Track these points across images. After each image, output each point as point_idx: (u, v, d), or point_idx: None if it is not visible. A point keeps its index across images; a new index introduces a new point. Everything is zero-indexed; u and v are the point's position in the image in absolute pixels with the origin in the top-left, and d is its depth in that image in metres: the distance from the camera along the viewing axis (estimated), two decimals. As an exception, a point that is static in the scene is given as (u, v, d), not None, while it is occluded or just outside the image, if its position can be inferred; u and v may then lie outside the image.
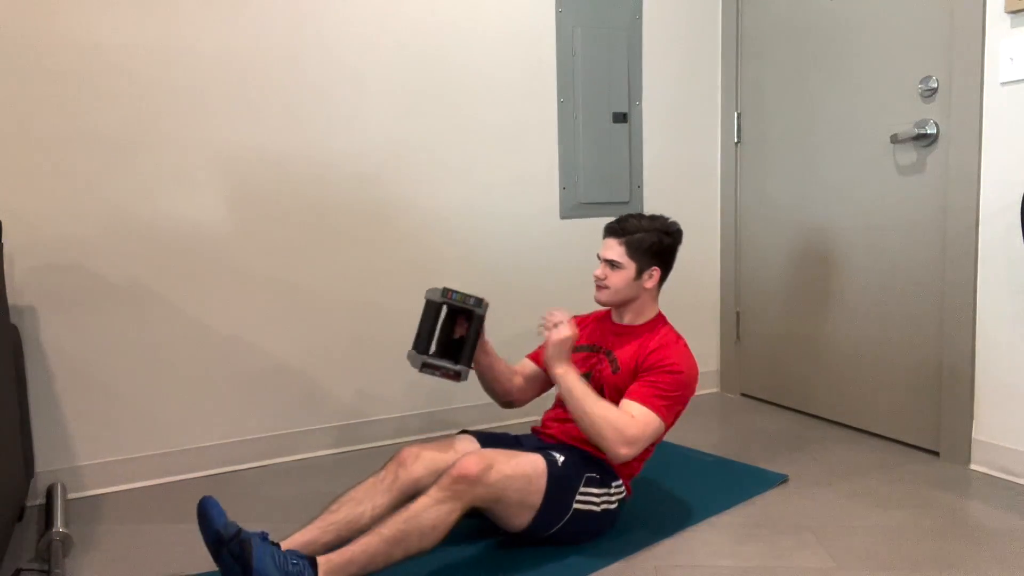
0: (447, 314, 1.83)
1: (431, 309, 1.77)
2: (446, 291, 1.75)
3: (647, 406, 1.72)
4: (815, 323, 2.72)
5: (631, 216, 1.89)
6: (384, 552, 1.47)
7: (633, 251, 1.83)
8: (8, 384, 1.71)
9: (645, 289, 1.87)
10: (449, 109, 2.57)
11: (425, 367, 1.72)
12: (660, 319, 1.92)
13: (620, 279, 1.84)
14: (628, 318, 1.91)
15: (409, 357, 1.77)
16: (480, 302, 1.76)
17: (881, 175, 2.44)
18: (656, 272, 1.86)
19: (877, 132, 2.43)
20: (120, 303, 2.19)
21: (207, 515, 1.43)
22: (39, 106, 2.07)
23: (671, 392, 1.76)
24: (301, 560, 1.41)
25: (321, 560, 1.43)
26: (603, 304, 1.93)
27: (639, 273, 1.84)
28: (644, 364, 1.79)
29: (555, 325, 1.76)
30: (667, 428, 1.77)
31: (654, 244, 1.84)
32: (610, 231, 1.88)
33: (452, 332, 1.83)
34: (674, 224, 1.90)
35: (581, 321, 1.99)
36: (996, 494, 2.02)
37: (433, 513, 1.52)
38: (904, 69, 2.34)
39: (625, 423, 1.69)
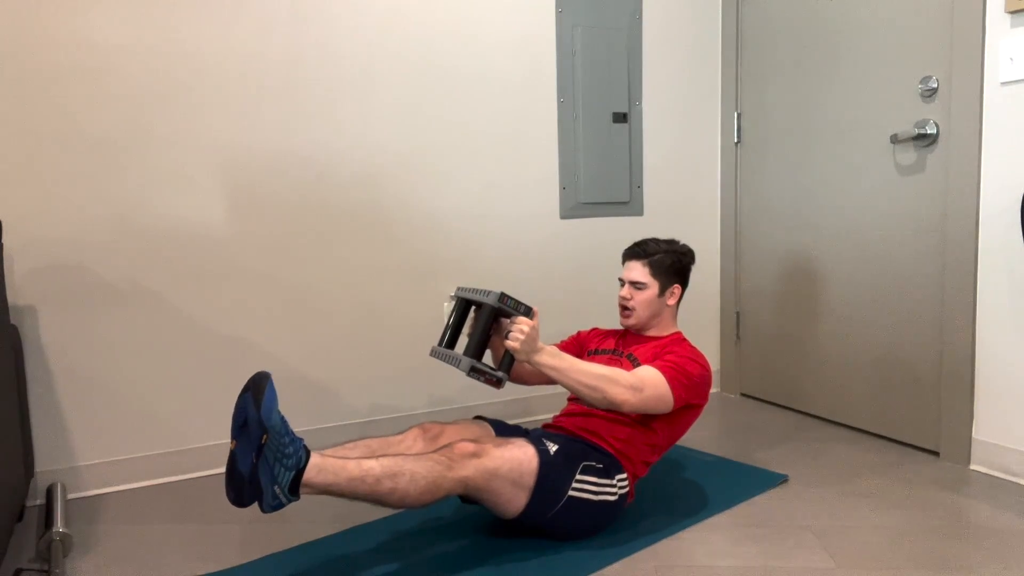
0: (464, 313, 1.87)
1: (487, 313, 1.75)
2: (503, 296, 1.73)
3: (658, 369, 1.80)
4: (815, 323, 2.72)
5: (648, 240, 2.03)
6: (375, 476, 1.50)
7: (656, 270, 1.97)
8: (8, 384, 1.71)
9: (668, 306, 2.00)
10: (448, 109, 2.57)
11: (474, 371, 1.71)
12: (681, 335, 2.01)
13: (645, 298, 1.97)
14: (650, 333, 2.02)
15: (450, 359, 1.77)
16: (529, 310, 1.76)
17: (881, 175, 2.44)
18: (677, 289, 2.01)
19: (877, 132, 2.43)
20: (120, 303, 2.19)
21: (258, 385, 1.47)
22: (39, 106, 2.07)
23: (686, 370, 1.82)
24: (300, 440, 1.47)
25: (315, 453, 1.50)
26: (630, 326, 2.02)
27: (662, 291, 1.97)
28: (663, 354, 1.88)
29: (512, 331, 1.73)
30: (674, 404, 1.80)
31: (674, 263, 1.99)
32: (632, 255, 2.01)
33: (461, 329, 1.88)
34: (687, 246, 2.05)
35: (603, 332, 2.12)
36: (996, 494, 2.02)
37: (429, 466, 1.56)
38: (904, 69, 2.34)
39: (622, 374, 1.75)
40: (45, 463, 2.13)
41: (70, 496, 2.11)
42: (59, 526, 1.80)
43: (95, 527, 1.95)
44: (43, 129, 2.08)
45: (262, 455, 1.40)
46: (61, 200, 2.11)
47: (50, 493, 2.01)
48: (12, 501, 1.71)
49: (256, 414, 1.40)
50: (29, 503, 2.08)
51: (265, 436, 1.40)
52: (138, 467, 2.23)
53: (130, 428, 2.23)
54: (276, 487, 1.42)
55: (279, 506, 1.44)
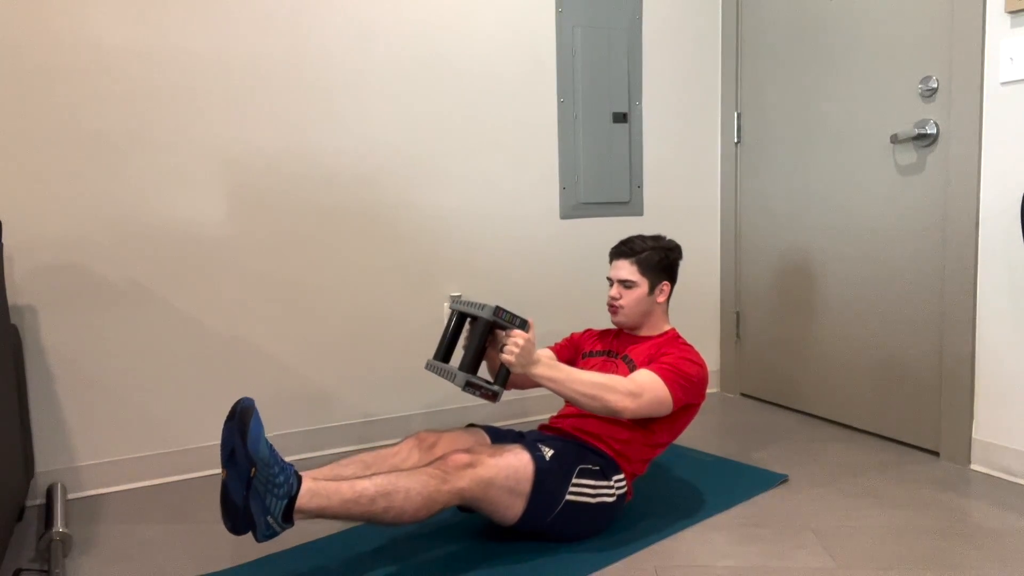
0: (459, 326, 1.86)
1: (482, 327, 1.73)
2: (498, 309, 1.70)
3: (655, 372, 1.79)
4: (815, 323, 2.72)
5: (635, 237, 2.00)
6: (369, 497, 1.49)
7: (644, 268, 1.95)
8: (8, 384, 1.71)
9: (658, 304, 1.98)
10: (449, 109, 2.58)
11: (469, 386, 1.69)
12: (675, 333, 2.00)
13: (634, 296, 1.95)
14: (643, 332, 2.00)
15: (445, 372, 1.77)
16: (525, 323, 1.73)
17: (881, 175, 2.44)
18: (666, 286, 1.98)
19: (877, 132, 2.43)
20: (120, 303, 2.19)
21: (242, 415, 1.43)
22: (39, 106, 2.07)
23: (683, 371, 1.81)
24: (290, 468, 1.45)
25: (307, 477, 1.48)
26: (621, 325, 2.01)
27: (651, 289, 1.96)
28: (659, 356, 1.86)
29: (508, 344, 1.70)
30: (674, 406, 1.79)
31: (662, 260, 1.97)
32: (619, 253, 1.99)
33: (456, 342, 1.87)
34: (674, 241, 2.03)
35: (597, 334, 2.11)
36: (996, 494, 2.02)
37: (423, 480, 1.55)
38: (904, 69, 2.34)
39: (620, 380, 1.75)
40: (45, 463, 2.13)
41: (70, 496, 2.11)
42: (59, 526, 1.80)
43: (95, 527, 1.95)
44: (43, 128, 2.08)
45: (252, 487, 1.38)
46: (61, 200, 2.11)
47: (50, 493, 2.01)
48: (12, 501, 1.71)
49: (243, 447, 1.38)
50: (29, 503, 2.08)
51: (254, 469, 1.38)
52: (138, 467, 2.24)
53: (130, 428, 2.23)
54: (269, 517, 1.40)
55: (273, 535, 1.42)
